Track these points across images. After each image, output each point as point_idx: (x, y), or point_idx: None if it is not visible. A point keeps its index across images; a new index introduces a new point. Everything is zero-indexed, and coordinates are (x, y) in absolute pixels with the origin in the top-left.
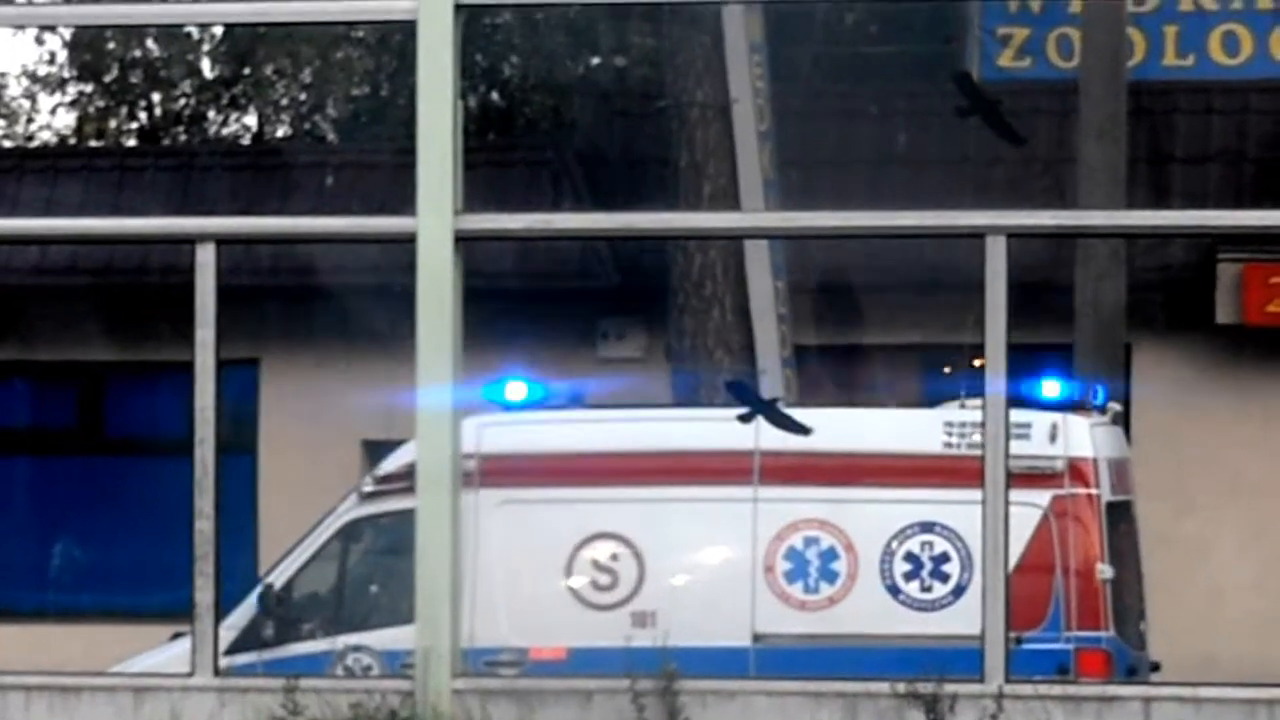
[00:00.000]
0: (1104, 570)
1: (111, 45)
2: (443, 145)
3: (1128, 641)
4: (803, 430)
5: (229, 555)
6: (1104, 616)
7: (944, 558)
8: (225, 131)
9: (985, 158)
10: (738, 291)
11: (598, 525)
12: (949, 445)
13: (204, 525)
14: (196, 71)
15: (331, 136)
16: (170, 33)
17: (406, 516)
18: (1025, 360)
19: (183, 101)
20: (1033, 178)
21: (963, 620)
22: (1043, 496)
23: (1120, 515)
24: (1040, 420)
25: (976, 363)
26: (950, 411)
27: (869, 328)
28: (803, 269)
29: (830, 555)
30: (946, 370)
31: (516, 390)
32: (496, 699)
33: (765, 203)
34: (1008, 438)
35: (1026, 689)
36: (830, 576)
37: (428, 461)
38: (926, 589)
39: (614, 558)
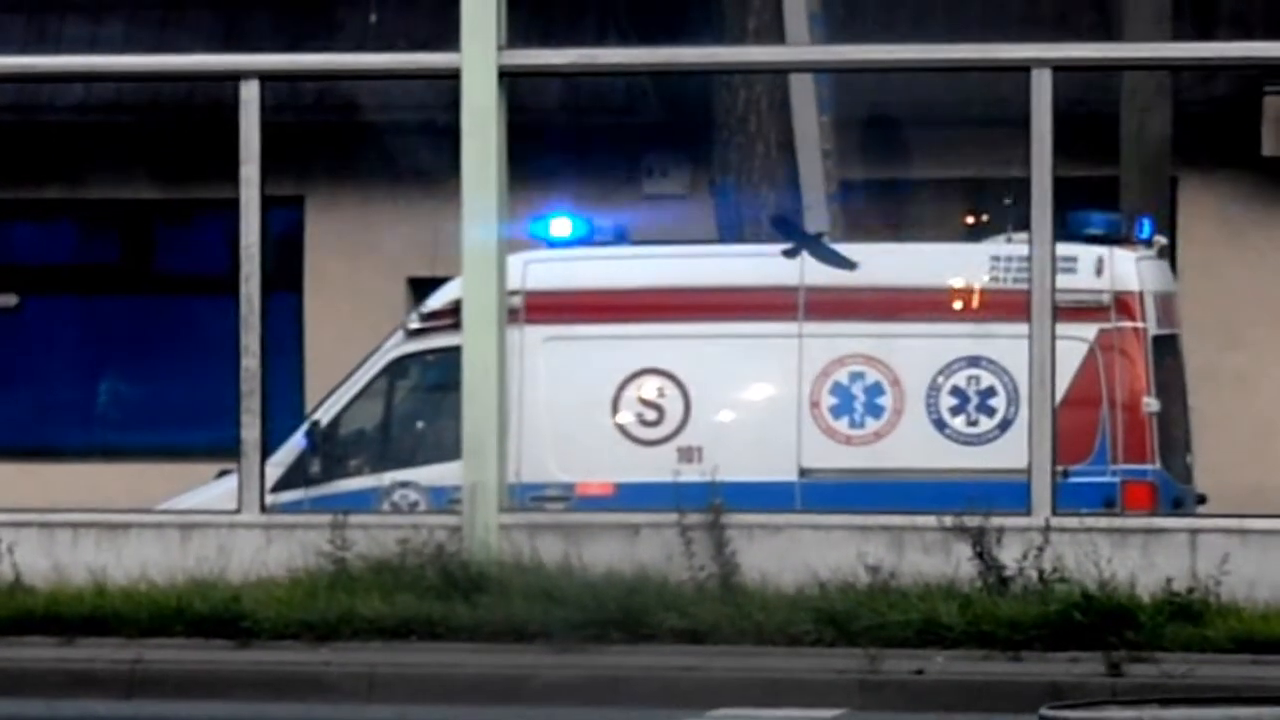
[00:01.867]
0: (1150, 403)
1: None
2: None
3: (1174, 474)
4: (848, 265)
5: (275, 393)
6: (1150, 449)
7: (990, 392)
8: None
9: None
10: (782, 126)
11: (643, 361)
12: (995, 279)
13: (250, 362)
14: None
15: None
16: None
17: (452, 353)
18: (1071, 194)
19: None
20: (1078, 10)
21: (1009, 454)
22: (1089, 330)
23: (1166, 348)
24: (1086, 254)
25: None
26: (996, 245)
27: (914, 162)
28: (848, 103)
29: (876, 390)
30: (994, 204)
31: (561, 226)
32: (543, 533)
33: (810, 36)
34: (1054, 271)
35: (1073, 522)
36: (876, 411)
37: (473, 298)
38: (973, 423)
39: (660, 393)
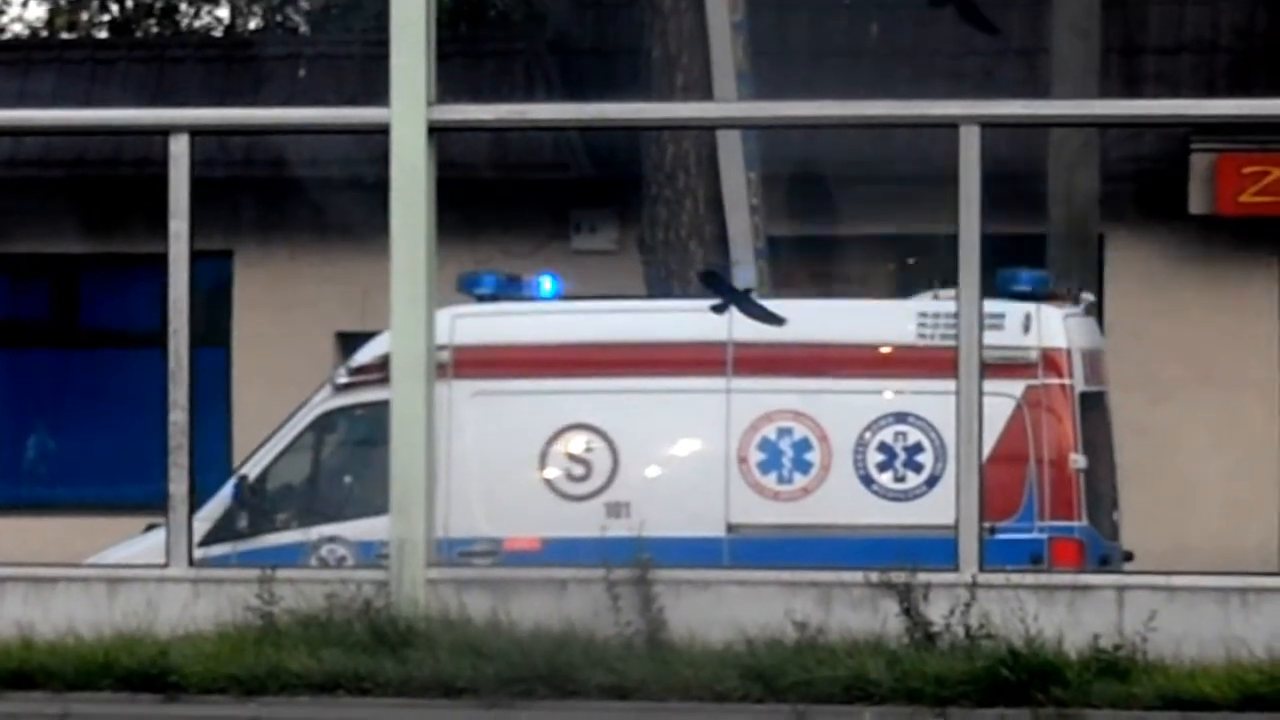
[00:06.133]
0: (1077, 460)
1: None
2: (416, 36)
3: (1100, 531)
4: (776, 321)
5: (203, 447)
6: (1077, 506)
7: (917, 448)
8: (198, 23)
9: (958, 48)
10: (711, 183)
11: (571, 416)
12: (923, 336)
13: (178, 417)
14: None
15: (304, 28)
16: None
17: (380, 408)
18: (999, 250)
19: None
20: (1006, 68)
21: (936, 510)
22: (1016, 387)
23: (1093, 405)
24: (1014, 310)
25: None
26: (924, 302)
27: (842, 218)
28: (776, 160)
29: (804, 446)
30: (920, 261)
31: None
32: (471, 589)
33: (738, 93)
34: (981, 328)
35: (1000, 578)
36: (804, 467)
37: (401, 353)
38: (900, 479)
39: (588, 449)
